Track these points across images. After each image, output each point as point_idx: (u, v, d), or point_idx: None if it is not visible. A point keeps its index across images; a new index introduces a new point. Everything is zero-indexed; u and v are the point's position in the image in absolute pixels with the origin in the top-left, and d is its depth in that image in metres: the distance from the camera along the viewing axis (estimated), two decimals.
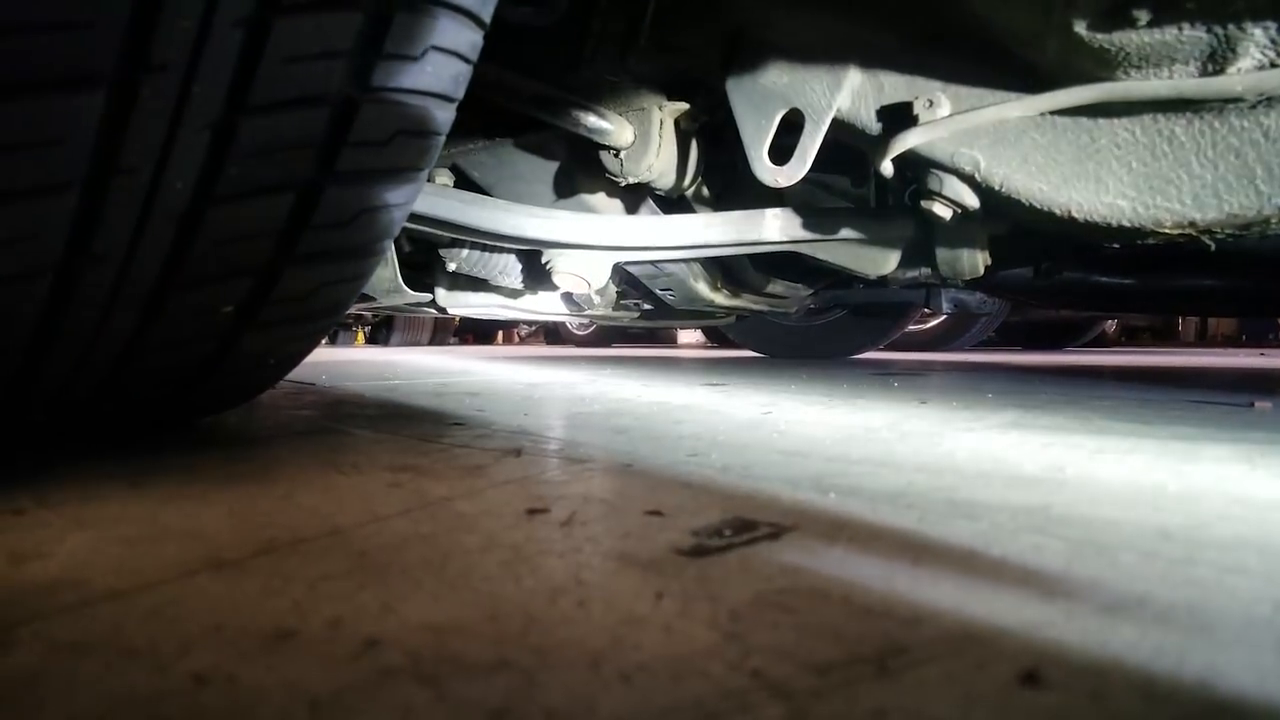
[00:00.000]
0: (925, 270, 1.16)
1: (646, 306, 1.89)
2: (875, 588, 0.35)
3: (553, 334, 6.70)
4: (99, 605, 0.33)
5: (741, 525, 0.45)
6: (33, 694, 0.25)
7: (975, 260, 1.07)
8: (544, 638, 0.29)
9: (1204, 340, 7.93)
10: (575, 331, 6.02)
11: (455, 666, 0.27)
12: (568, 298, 1.68)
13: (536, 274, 1.41)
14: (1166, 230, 0.79)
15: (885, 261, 1.16)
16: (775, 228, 1.17)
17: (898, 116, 0.88)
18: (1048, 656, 0.27)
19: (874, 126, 0.90)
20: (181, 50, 0.47)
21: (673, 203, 1.32)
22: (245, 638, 0.29)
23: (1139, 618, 0.31)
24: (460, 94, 0.62)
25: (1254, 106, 0.72)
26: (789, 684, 0.26)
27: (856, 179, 1.32)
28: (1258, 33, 0.68)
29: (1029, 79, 0.81)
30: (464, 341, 7.60)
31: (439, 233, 1.25)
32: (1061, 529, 0.44)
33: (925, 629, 0.30)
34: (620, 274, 1.56)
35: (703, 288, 1.55)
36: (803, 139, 0.92)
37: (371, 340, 6.55)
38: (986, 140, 0.84)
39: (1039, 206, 0.83)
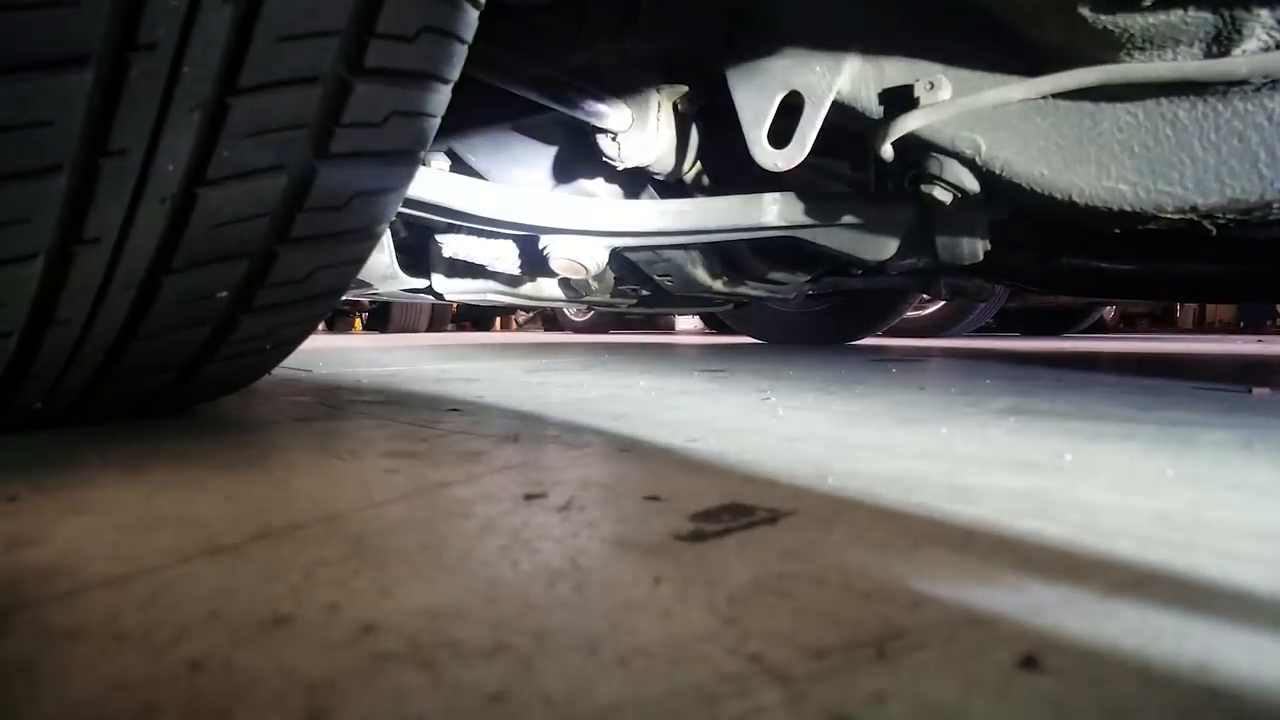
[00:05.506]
0: (925, 256, 1.16)
1: (644, 293, 1.89)
2: (873, 572, 0.35)
3: (550, 320, 6.69)
4: (94, 591, 0.32)
5: (739, 510, 0.45)
6: (27, 681, 0.25)
7: (975, 245, 1.07)
8: (541, 622, 0.29)
9: (1202, 326, 7.95)
10: (573, 318, 6.01)
11: (452, 651, 0.27)
12: (565, 284, 1.68)
13: (534, 260, 1.40)
14: (1168, 215, 0.78)
15: (885, 247, 1.15)
16: (774, 212, 1.17)
17: (898, 99, 0.87)
18: (1046, 641, 0.27)
19: (874, 109, 0.89)
20: (170, 29, 0.46)
21: (671, 187, 1.32)
22: (241, 623, 0.29)
23: (1137, 602, 0.31)
24: (455, 75, 0.61)
25: (1258, 89, 0.71)
26: (787, 668, 0.25)
27: (856, 163, 1.31)
28: (1264, 14, 0.67)
29: (1031, 61, 0.80)
30: (461, 328, 7.59)
31: (435, 218, 1.25)
32: (1060, 514, 0.44)
33: (924, 613, 0.30)
34: (618, 260, 1.55)
35: (701, 274, 1.55)
36: (802, 122, 0.91)
37: (368, 327, 6.55)
38: (987, 123, 0.84)
39: (1040, 191, 0.83)
